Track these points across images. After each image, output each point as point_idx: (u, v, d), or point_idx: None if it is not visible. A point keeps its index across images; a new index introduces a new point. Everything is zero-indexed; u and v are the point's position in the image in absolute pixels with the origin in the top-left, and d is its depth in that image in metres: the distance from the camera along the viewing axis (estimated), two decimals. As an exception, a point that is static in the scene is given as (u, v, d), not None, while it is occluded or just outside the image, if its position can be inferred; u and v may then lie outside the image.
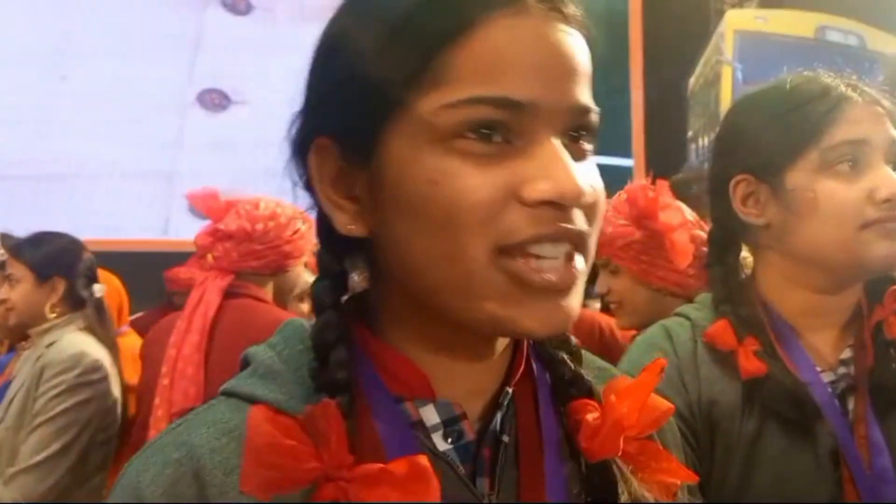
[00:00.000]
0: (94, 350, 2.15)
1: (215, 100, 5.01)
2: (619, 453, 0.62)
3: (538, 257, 0.54)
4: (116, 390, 2.18)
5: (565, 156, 0.55)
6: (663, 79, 5.91)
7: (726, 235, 1.12)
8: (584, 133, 0.59)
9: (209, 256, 2.15)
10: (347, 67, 0.58)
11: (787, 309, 1.06)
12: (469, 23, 0.53)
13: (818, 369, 1.02)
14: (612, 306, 1.87)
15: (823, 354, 1.04)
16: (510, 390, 0.64)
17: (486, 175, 0.53)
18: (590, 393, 0.66)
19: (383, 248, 0.60)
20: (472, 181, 0.53)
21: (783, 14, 5.78)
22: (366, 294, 0.65)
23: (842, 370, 1.04)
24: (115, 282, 2.79)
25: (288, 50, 5.23)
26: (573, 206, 0.54)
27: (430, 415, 0.60)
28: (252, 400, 0.58)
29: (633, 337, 1.70)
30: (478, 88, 0.53)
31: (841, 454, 0.96)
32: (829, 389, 1.01)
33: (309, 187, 0.63)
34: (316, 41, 0.64)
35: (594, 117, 0.59)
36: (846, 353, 1.05)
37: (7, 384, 2.16)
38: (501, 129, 0.54)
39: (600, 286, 1.86)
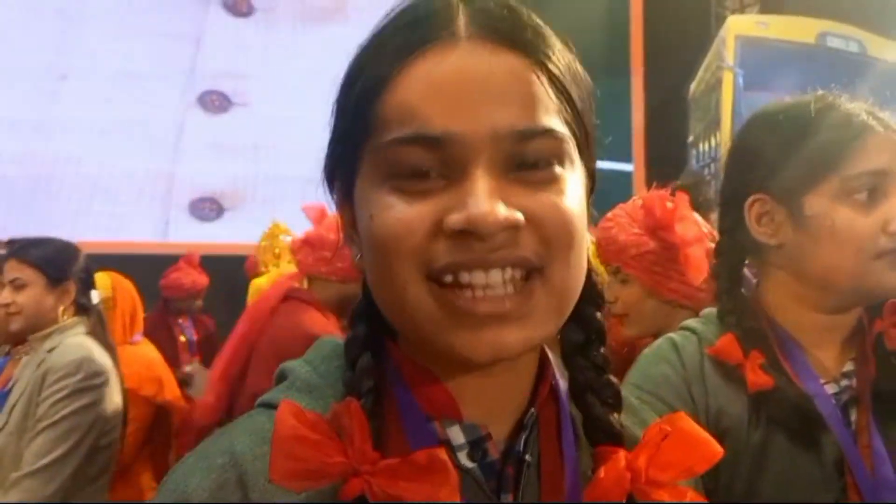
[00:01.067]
0: (97, 354, 2.13)
1: (216, 101, 5.02)
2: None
3: (471, 286, 0.55)
4: (118, 395, 2.16)
5: (480, 185, 0.54)
6: (664, 84, 5.93)
7: (735, 249, 1.13)
8: (546, 160, 0.57)
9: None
10: (334, 128, 0.64)
11: (792, 325, 1.08)
12: (393, 68, 0.57)
13: (822, 381, 1.04)
14: (617, 313, 1.80)
15: (827, 367, 1.06)
16: (534, 411, 0.65)
17: (415, 208, 0.56)
18: (618, 440, 0.65)
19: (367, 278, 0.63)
20: (402, 214, 0.56)
21: (784, 20, 5.79)
22: None
23: (844, 382, 1.05)
24: (130, 287, 2.72)
25: (289, 52, 5.27)
26: (490, 233, 0.54)
27: (457, 435, 0.62)
28: None
29: (634, 346, 1.69)
30: (397, 131, 0.56)
31: (845, 463, 0.98)
32: (833, 401, 1.03)
33: None
34: None
35: (554, 141, 0.57)
36: (848, 366, 1.06)
37: (5, 389, 2.14)
38: (436, 166, 0.56)
39: (608, 295, 1.81)
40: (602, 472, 0.61)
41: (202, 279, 4.18)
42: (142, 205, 4.76)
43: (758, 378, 1.01)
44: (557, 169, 0.57)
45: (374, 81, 0.58)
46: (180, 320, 4.30)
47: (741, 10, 6.37)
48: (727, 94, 5.40)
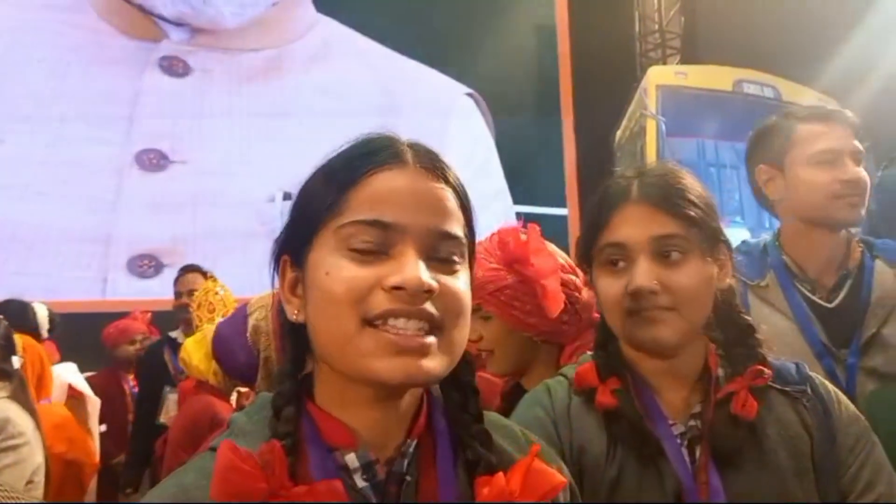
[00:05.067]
0: (18, 416, 2.22)
1: (153, 159, 5.10)
2: None
3: (395, 328, 0.78)
4: (40, 454, 2.25)
5: (414, 259, 0.78)
6: (594, 132, 6.15)
7: None
8: (453, 256, 0.82)
9: None
10: (297, 210, 0.87)
11: (644, 370, 1.19)
12: (361, 175, 0.82)
13: (671, 422, 1.15)
14: (483, 354, 1.69)
15: (677, 408, 1.17)
16: (411, 441, 0.85)
17: (361, 270, 0.79)
18: (493, 470, 0.85)
19: (309, 327, 0.84)
20: (351, 273, 0.79)
21: (702, 69, 6.07)
22: (312, 373, 0.88)
23: (692, 423, 1.16)
24: (40, 350, 2.85)
25: (225, 110, 5.37)
26: (417, 293, 0.77)
27: (352, 460, 0.82)
28: None
29: (507, 383, 1.72)
30: (360, 215, 0.80)
31: (683, 495, 1.10)
32: (678, 440, 1.14)
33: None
34: None
35: (458, 245, 0.83)
36: (697, 408, 1.17)
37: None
38: (378, 242, 0.79)
39: (471, 332, 1.73)
40: (486, 492, 0.82)
41: (137, 326, 4.23)
42: (80, 264, 4.79)
43: (604, 399, 1.15)
44: (457, 264, 0.83)
45: (347, 180, 0.82)
46: (130, 376, 4.35)
47: (664, 59, 6.67)
48: (651, 141, 5.62)
